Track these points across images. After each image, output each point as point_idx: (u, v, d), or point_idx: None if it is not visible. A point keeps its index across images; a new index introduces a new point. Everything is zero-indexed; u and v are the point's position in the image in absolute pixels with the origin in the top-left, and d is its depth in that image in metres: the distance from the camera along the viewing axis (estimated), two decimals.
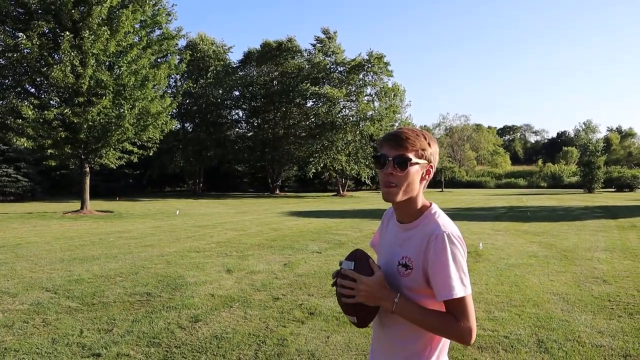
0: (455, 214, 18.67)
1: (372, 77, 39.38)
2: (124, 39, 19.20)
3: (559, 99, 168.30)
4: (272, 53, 40.56)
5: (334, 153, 37.88)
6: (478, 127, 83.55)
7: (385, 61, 38.23)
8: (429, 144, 1.62)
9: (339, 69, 39.56)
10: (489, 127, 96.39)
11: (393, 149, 1.58)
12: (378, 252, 1.85)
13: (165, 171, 40.26)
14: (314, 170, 38.69)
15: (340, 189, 40.69)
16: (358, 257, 1.65)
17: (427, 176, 1.63)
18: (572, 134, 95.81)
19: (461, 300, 1.50)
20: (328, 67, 39.40)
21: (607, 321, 4.97)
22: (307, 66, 40.05)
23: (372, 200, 31.77)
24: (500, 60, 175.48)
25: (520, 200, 29.95)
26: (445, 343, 1.63)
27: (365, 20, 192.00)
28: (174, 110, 36.32)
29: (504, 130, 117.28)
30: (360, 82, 39.29)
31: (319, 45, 39.44)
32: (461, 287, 1.50)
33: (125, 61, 19.27)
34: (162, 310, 5.26)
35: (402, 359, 1.61)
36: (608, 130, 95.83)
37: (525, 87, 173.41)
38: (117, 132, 19.48)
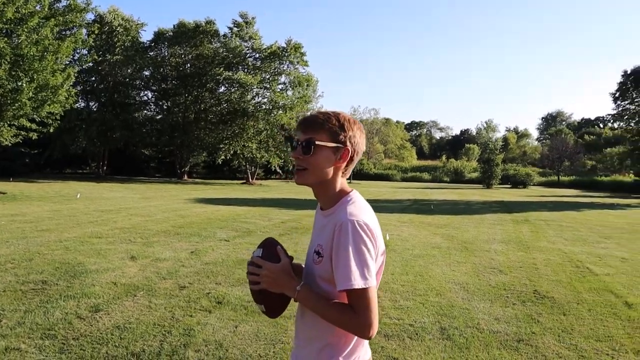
0: None
1: (287, 65, 39.31)
2: (24, 5, 17.68)
3: (463, 98, 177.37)
4: (188, 34, 39.09)
5: (245, 140, 37.48)
6: (387, 121, 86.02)
7: (302, 51, 38.30)
8: (344, 127, 1.58)
9: (255, 55, 39.10)
10: (397, 122, 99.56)
11: (303, 133, 1.57)
12: None
13: (66, 152, 37.69)
14: (224, 157, 38.07)
15: (250, 177, 40.34)
16: (266, 245, 1.65)
17: (341, 160, 1.60)
18: (474, 132, 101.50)
19: (360, 292, 1.46)
20: (244, 52, 38.80)
21: (502, 309, 5.32)
22: (222, 50, 39.14)
23: (282, 189, 31.81)
24: (410, 57, 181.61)
25: (425, 194, 31.24)
26: None
27: (280, 9, 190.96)
28: (78, 88, 34.13)
29: (411, 126, 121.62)
30: (275, 70, 39.10)
31: (236, 29, 38.72)
32: (360, 279, 1.45)
33: (25, 29, 17.75)
34: (59, 300, 4.94)
35: (318, 349, 1.59)
36: (506, 130, 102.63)
37: (433, 84, 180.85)
38: (13, 107, 17.97)
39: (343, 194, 1.62)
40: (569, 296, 5.98)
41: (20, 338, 3.91)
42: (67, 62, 23.29)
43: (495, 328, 4.68)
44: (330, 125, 1.56)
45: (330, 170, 1.59)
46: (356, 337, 1.59)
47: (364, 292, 1.46)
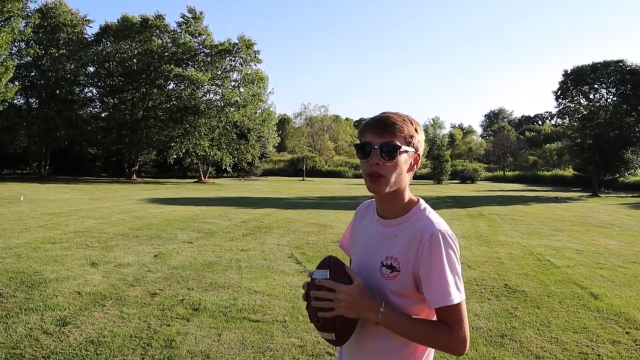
0: (321, 203, 19.09)
1: (239, 63, 38.76)
2: None
3: (408, 95, 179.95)
4: (135, 29, 37.70)
5: (197, 138, 36.73)
6: (336, 118, 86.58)
7: (255, 49, 37.88)
8: (416, 131, 1.49)
9: (205, 51, 38.31)
10: (347, 119, 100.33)
11: (378, 136, 1.43)
12: (351, 252, 1.68)
13: (3, 151, 35.74)
14: (176, 156, 37.19)
15: (202, 175, 39.59)
16: (332, 265, 1.47)
17: (415, 166, 1.50)
18: None
19: (456, 307, 1.38)
20: (194, 48, 37.94)
21: (479, 304, 5.36)
22: (171, 46, 38.09)
23: (235, 187, 31.34)
24: (356, 54, 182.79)
25: None
26: (430, 353, 1.51)
27: (223, 4, 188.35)
28: (17, 83, 32.35)
29: (359, 123, 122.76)
30: (227, 67, 38.49)
31: (184, 24, 37.80)
32: (457, 293, 1.38)
33: None
34: (19, 314, 4.57)
35: None
36: (452, 127, 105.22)
37: (379, 82, 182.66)
38: None
39: (412, 202, 1.52)
40: (539, 289, 6.11)
41: None
42: (4, 56, 22.03)
43: (477, 324, 4.69)
44: (408, 129, 1.46)
45: (405, 177, 1.48)
46: (424, 357, 1.48)
47: (459, 306, 1.39)
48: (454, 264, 1.40)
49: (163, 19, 38.28)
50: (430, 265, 1.39)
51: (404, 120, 1.47)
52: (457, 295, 1.38)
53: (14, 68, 20.76)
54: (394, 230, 1.49)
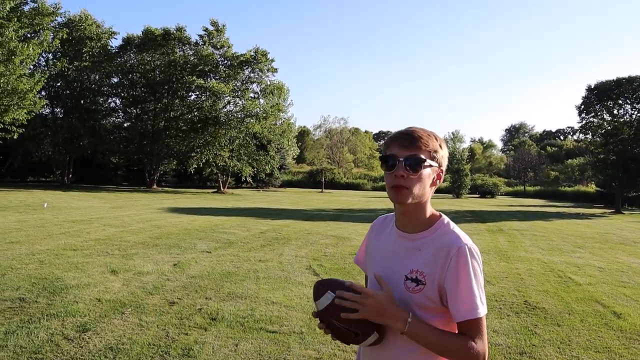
0: (340, 215, 19.10)
1: (258, 74, 39.10)
2: None
3: (428, 108, 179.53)
4: (157, 41, 38.27)
5: (217, 149, 37.08)
6: (356, 130, 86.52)
7: (270, 58, 38.23)
8: (440, 146, 1.51)
9: (227, 63, 38.75)
10: (366, 132, 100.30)
11: (404, 149, 1.46)
12: (367, 267, 1.70)
13: (28, 159, 36.51)
14: (196, 166, 37.55)
15: (221, 185, 39.88)
16: (326, 283, 1.50)
17: (437, 181, 1.52)
18: None
19: (479, 320, 1.42)
20: (216, 60, 38.41)
21: (498, 320, 5.29)
22: (193, 58, 38.60)
23: (254, 198, 31.48)
24: (377, 67, 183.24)
25: None
26: None
27: (243, 17, 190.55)
28: (43, 93, 33.09)
29: (379, 136, 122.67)
30: (246, 78, 38.87)
31: (206, 36, 38.33)
32: (482, 306, 1.42)
33: None
34: (41, 319, 4.65)
35: None
36: (471, 141, 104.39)
37: (398, 95, 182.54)
38: None
39: (435, 216, 1.54)
40: (559, 306, 6.01)
41: None
42: (32, 67, 22.57)
43: (496, 341, 4.63)
44: (432, 144, 1.49)
45: (428, 191, 1.50)
46: None
47: (482, 319, 1.42)
48: (479, 278, 1.44)
49: (184, 31, 38.79)
50: (457, 278, 1.42)
51: (429, 135, 1.49)
52: (482, 309, 1.42)
53: (43, 78, 21.20)
54: (418, 244, 1.51)
